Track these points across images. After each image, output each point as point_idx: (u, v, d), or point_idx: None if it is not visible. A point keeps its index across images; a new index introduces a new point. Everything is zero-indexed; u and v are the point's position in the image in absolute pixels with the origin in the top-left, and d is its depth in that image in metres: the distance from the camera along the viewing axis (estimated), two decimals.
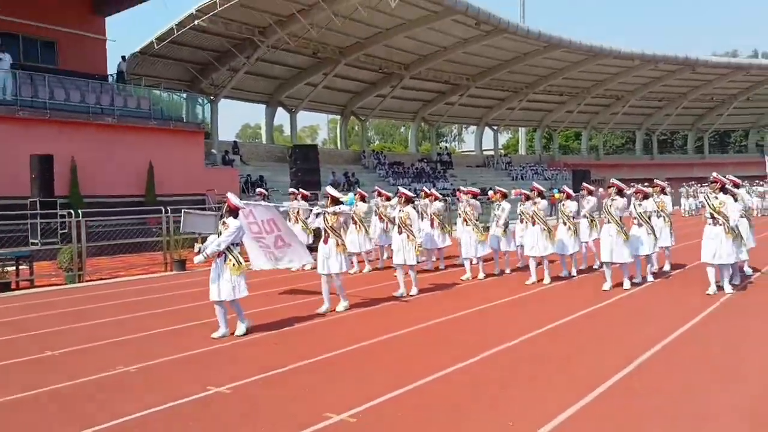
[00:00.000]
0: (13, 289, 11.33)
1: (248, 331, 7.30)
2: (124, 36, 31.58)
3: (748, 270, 10.67)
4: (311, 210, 13.37)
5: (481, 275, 11.57)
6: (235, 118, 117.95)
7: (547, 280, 10.79)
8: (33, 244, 14.52)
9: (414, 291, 9.95)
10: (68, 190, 18.41)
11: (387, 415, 4.48)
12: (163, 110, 22.29)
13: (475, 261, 11.93)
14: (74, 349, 6.83)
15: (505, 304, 9.07)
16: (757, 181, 32.31)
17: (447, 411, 4.54)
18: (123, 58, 24.74)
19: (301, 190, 14.82)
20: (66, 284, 11.77)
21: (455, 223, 13.24)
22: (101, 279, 12.69)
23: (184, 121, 22.68)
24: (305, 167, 18.66)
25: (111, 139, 19.84)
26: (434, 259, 13.20)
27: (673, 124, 58.15)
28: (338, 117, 43.00)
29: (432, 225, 12.73)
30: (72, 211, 12.59)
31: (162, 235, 13.87)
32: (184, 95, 24.37)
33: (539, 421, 4.21)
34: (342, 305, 8.75)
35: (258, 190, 16.43)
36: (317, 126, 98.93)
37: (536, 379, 5.26)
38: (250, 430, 4.31)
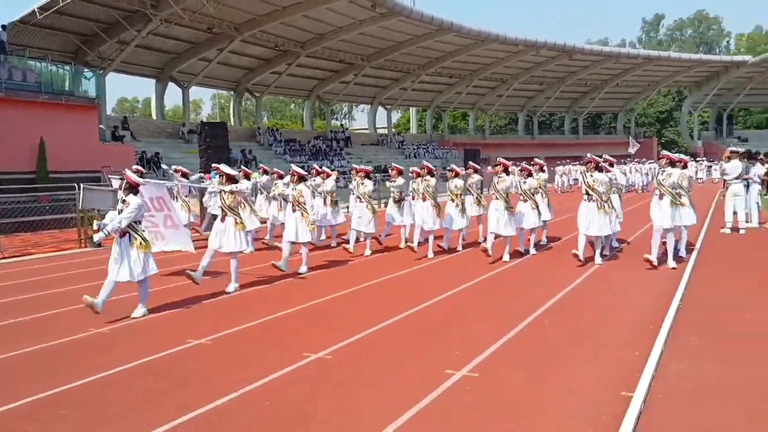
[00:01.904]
0: None
1: (146, 314, 7.15)
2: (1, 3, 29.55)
3: (615, 243, 11.70)
4: (191, 187, 13.69)
5: (368, 251, 11.85)
6: (114, 92, 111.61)
7: (430, 254, 11.33)
8: None
9: (304, 269, 9.98)
10: None
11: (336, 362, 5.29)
12: (53, 84, 21.34)
13: (363, 238, 12.32)
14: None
15: (399, 278, 9.50)
16: (630, 160, 35.56)
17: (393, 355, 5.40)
18: (2, 27, 23.25)
19: (180, 167, 14.63)
20: None
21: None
22: (21, 255, 12.55)
23: (75, 95, 21.84)
24: (215, 144, 18.70)
25: None
26: (323, 237, 13.33)
27: (552, 107, 62.17)
28: (223, 92, 42.37)
29: (325, 203, 12.76)
30: None
31: (75, 211, 13.73)
32: (74, 69, 23.34)
33: (476, 353, 5.16)
34: (232, 286, 8.61)
35: (174, 167, 16.24)
36: (200, 101, 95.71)
37: (445, 339, 6.29)
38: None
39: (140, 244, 7.07)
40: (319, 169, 14.13)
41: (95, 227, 7.46)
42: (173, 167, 14.85)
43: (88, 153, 20.96)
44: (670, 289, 7.75)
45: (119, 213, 7.07)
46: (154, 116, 35.90)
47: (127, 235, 7.04)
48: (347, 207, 14.51)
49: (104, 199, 9.84)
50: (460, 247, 12.23)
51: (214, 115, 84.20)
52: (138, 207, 7.09)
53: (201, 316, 7.25)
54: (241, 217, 8.86)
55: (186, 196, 13.52)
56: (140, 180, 7.55)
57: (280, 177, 13.39)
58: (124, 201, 7.12)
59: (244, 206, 12.46)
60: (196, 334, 6.25)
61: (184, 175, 14.15)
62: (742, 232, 13.36)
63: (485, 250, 10.44)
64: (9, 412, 4.39)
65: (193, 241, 9.04)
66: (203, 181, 14.18)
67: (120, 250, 7.02)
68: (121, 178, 9.57)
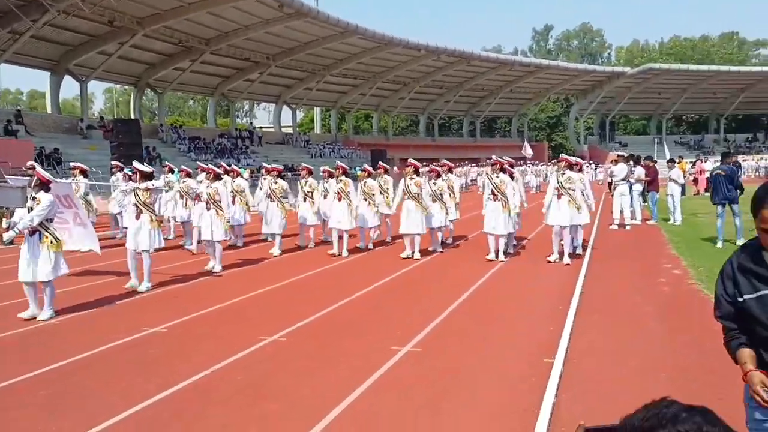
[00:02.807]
0: None
1: (52, 317, 6.92)
2: None
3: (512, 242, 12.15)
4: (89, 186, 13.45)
5: (277, 251, 11.90)
6: None
7: (345, 252, 11.61)
8: None
9: (218, 267, 10.00)
10: None
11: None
12: None
13: (271, 238, 12.48)
14: None
15: (316, 275, 9.79)
16: (525, 162, 37.79)
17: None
18: None
19: (78, 165, 14.30)
20: None
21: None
22: None
23: None
24: (127, 141, 18.41)
25: None
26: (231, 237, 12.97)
27: (451, 110, 64.63)
28: (116, 86, 40.99)
29: (233, 201, 12.45)
30: None
31: None
32: None
33: (374, 366, 5.82)
34: (145, 285, 8.49)
35: (72, 164, 15.90)
36: (92, 95, 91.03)
37: (384, 321, 7.03)
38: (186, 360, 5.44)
39: (51, 242, 6.85)
40: (228, 168, 14.14)
41: (5, 225, 7.41)
42: (71, 164, 14.64)
43: None
44: (571, 279, 8.81)
45: (29, 211, 6.87)
46: (48, 110, 34.19)
47: (37, 233, 6.83)
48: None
49: (13, 196, 9.62)
50: (371, 245, 12.65)
51: (106, 110, 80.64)
52: (50, 204, 6.90)
53: (126, 312, 7.41)
54: (156, 214, 8.83)
55: (87, 194, 13.34)
56: (51, 177, 7.36)
57: (188, 175, 13.44)
58: (34, 198, 6.92)
59: (242, 200, 12.69)
60: (151, 322, 6.60)
61: (83, 173, 13.88)
62: (628, 228, 14.99)
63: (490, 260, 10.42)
64: None
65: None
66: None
67: (30, 249, 6.81)
68: (29, 176, 9.45)
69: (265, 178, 12.97)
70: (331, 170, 12.42)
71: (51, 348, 5.87)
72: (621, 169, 15.34)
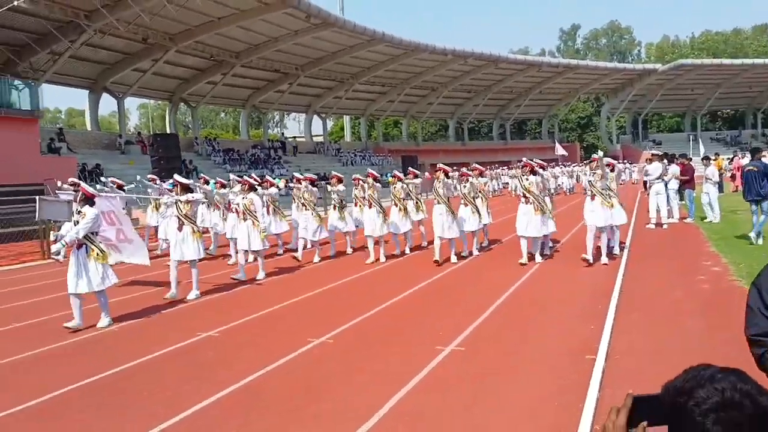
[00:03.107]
0: None
1: (110, 324, 7.28)
2: None
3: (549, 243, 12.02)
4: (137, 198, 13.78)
5: (316, 258, 12.08)
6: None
7: (382, 258, 11.69)
8: None
9: (261, 275, 10.21)
10: None
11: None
12: None
13: (309, 245, 12.40)
14: None
15: (355, 281, 9.98)
16: (557, 164, 37.55)
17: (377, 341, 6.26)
18: None
19: (116, 180, 14.60)
20: None
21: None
22: None
23: (15, 108, 21.56)
24: (167, 155, 18.96)
25: None
26: (267, 246, 12.99)
27: (480, 114, 64.43)
28: (150, 102, 41.96)
29: (268, 211, 12.56)
30: None
31: (36, 223, 13.81)
32: (12, 81, 22.97)
33: (422, 363, 6.04)
34: (193, 294, 8.78)
35: (110, 179, 16.34)
36: (127, 111, 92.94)
37: (427, 322, 7.19)
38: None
39: (97, 255, 7.13)
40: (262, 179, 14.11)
41: (52, 238, 7.73)
42: (148, 176, 15.06)
43: (30, 165, 20.72)
44: (609, 279, 8.82)
45: (75, 224, 7.16)
46: (88, 127, 35.25)
47: (84, 246, 7.10)
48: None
49: (60, 210, 9.99)
50: (407, 250, 12.65)
51: (141, 125, 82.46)
52: (95, 217, 7.20)
53: (177, 319, 7.73)
54: (197, 226, 9.06)
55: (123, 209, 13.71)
56: (95, 192, 7.71)
57: (222, 186, 13.65)
58: (80, 212, 7.22)
59: (277, 210, 12.72)
60: (201, 328, 6.88)
61: (120, 187, 14.30)
62: (665, 227, 14.87)
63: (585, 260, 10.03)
64: (51, 401, 4.93)
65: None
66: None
67: (77, 262, 7.07)
68: (75, 191, 9.80)
69: (297, 188, 13.07)
70: (361, 178, 12.53)
71: (114, 352, 6.18)
72: (656, 167, 15.22)
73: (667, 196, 15.45)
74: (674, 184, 15.92)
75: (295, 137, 58.16)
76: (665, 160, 15.94)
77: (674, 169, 15.88)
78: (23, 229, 14.87)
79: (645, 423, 1.27)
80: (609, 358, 5.24)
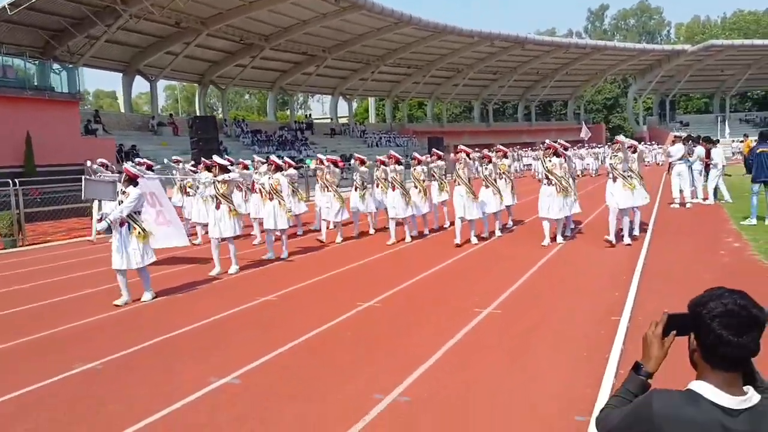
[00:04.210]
0: None
1: (154, 298, 7.63)
2: None
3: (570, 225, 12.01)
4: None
5: (339, 239, 12.18)
6: None
7: (408, 239, 11.79)
8: None
9: (285, 254, 10.37)
10: None
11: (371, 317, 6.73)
12: (35, 80, 21.92)
13: (332, 225, 12.53)
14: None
15: (381, 258, 10.27)
16: (583, 145, 37.57)
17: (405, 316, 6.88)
18: None
19: (145, 160, 15.10)
20: (5, 249, 12.43)
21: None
22: (36, 243, 13.48)
23: (57, 90, 22.45)
24: (206, 137, 19.69)
25: None
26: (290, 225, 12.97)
27: (506, 95, 64.38)
28: (174, 83, 42.74)
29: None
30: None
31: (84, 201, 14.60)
32: (54, 64, 23.86)
33: (463, 323, 6.61)
34: (233, 268, 9.18)
35: (137, 160, 16.47)
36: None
37: (463, 289, 7.78)
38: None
39: (139, 233, 7.43)
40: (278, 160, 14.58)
41: (97, 217, 8.10)
42: (172, 158, 15.67)
43: (72, 146, 21.64)
44: (633, 255, 9.26)
45: (119, 204, 7.50)
46: (122, 109, 36.27)
47: (127, 225, 7.40)
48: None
49: (105, 190, 10.48)
50: (426, 231, 12.72)
51: (167, 107, 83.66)
52: (138, 197, 7.50)
53: (224, 290, 8.33)
54: (233, 205, 9.39)
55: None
56: (138, 172, 8.01)
57: (245, 167, 13.68)
58: (124, 192, 7.55)
59: (296, 191, 12.75)
60: (258, 294, 7.55)
61: (149, 168, 14.78)
62: (688, 206, 15.20)
63: (608, 242, 10.12)
64: (132, 354, 5.62)
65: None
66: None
67: (120, 240, 7.38)
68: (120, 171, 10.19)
69: (319, 169, 13.17)
70: (383, 159, 12.60)
71: (173, 317, 6.84)
72: (678, 149, 15.53)
73: (692, 177, 15.76)
74: (698, 165, 16.23)
75: (317, 119, 58.70)
76: (690, 142, 16.23)
77: (699, 150, 16.17)
78: (73, 207, 15.65)
79: (675, 332, 1.83)
80: (632, 320, 5.78)
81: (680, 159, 15.41)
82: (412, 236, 12.11)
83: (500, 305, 6.65)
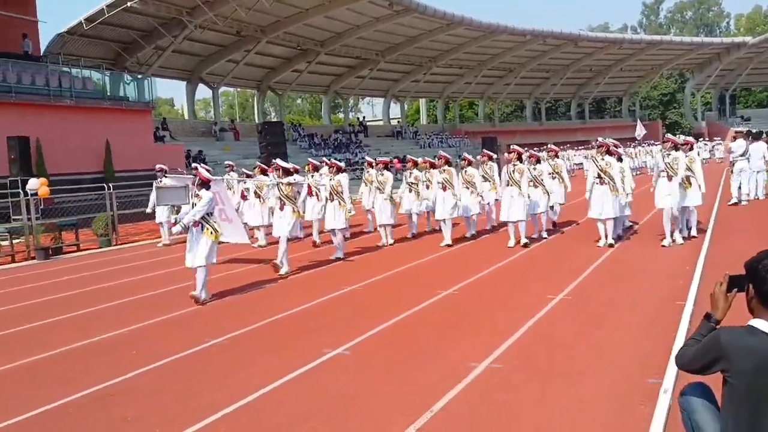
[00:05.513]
0: (65, 253, 13.36)
1: (208, 300, 7.82)
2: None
3: (627, 223, 12.06)
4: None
5: (390, 240, 12.31)
6: None
7: (448, 240, 11.59)
8: (15, 220, 15.83)
9: (340, 254, 10.63)
10: (35, 169, 19.48)
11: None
12: (112, 90, 23.42)
13: (388, 229, 12.45)
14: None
15: (431, 261, 10.40)
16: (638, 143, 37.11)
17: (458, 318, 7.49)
18: (24, 36, 23.92)
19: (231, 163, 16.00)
20: (100, 248, 13.61)
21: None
22: (125, 243, 14.66)
23: (132, 100, 23.90)
24: (274, 141, 20.71)
25: (69, 120, 20.94)
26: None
27: (558, 93, 63.90)
28: (229, 90, 44.10)
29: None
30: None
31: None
32: (128, 76, 25.36)
33: (538, 307, 7.16)
34: (284, 269, 9.40)
35: (198, 164, 16.75)
36: (208, 100, 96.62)
37: (533, 279, 8.35)
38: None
39: (210, 233, 7.72)
40: (329, 163, 14.77)
41: (171, 220, 8.53)
42: (225, 163, 16.37)
43: (146, 153, 22.99)
44: (694, 250, 9.53)
45: (193, 207, 7.82)
46: (186, 116, 37.90)
47: (200, 225, 7.72)
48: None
49: (178, 194, 10.81)
50: (474, 231, 12.60)
51: (223, 113, 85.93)
52: (210, 200, 7.80)
53: (289, 290, 8.71)
54: (297, 206, 9.69)
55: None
56: (211, 176, 8.35)
57: (315, 169, 14.03)
58: (197, 195, 7.86)
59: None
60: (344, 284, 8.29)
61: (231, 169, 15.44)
62: (744, 203, 15.22)
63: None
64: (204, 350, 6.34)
65: None
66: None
67: (192, 239, 7.74)
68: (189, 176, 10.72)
69: (368, 172, 13.35)
70: (432, 161, 12.71)
71: (225, 320, 7.06)
72: (739, 145, 15.52)
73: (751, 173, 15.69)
74: (761, 164, 16.10)
75: (369, 121, 59.59)
76: (750, 138, 16.16)
77: (761, 146, 16.08)
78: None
79: (736, 289, 2.40)
80: (697, 304, 6.24)
81: (742, 155, 15.40)
82: (465, 237, 12.31)
83: (570, 293, 7.22)
